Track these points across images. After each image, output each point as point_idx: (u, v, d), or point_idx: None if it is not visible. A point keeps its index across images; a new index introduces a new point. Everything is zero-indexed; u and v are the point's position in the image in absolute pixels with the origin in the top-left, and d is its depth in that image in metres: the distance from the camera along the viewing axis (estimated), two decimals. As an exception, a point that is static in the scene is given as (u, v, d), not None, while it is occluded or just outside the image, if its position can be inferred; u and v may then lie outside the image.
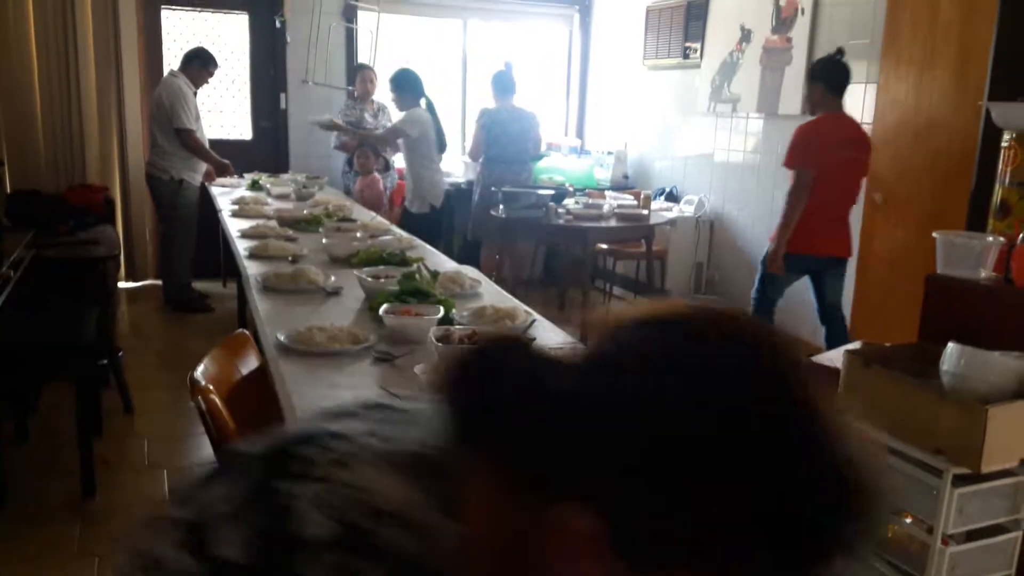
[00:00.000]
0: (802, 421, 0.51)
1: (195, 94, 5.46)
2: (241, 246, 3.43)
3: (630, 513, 0.50)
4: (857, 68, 4.63)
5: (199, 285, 5.75)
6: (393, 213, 5.49)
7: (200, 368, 1.71)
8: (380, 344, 2.10)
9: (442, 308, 2.24)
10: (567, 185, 6.12)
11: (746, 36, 5.50)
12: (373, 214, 4.71)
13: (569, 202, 5.41)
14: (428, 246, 3.69)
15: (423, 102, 5.00)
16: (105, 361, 3.66)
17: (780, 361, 0.54)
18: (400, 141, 5.15)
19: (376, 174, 5.91)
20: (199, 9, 6.41)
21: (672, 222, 5.62)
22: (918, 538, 2.08)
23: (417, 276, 2.56)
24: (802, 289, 4.28)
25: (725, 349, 0.54)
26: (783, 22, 5.18)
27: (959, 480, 2.01)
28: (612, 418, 0.52)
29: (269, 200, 4.93)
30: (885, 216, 4.45)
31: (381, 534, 0.52)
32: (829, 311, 4.18)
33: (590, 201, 5.52)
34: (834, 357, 2.58)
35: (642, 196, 5.93)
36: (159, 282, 5.91)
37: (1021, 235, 2.58)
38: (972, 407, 1.98)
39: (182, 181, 5.41)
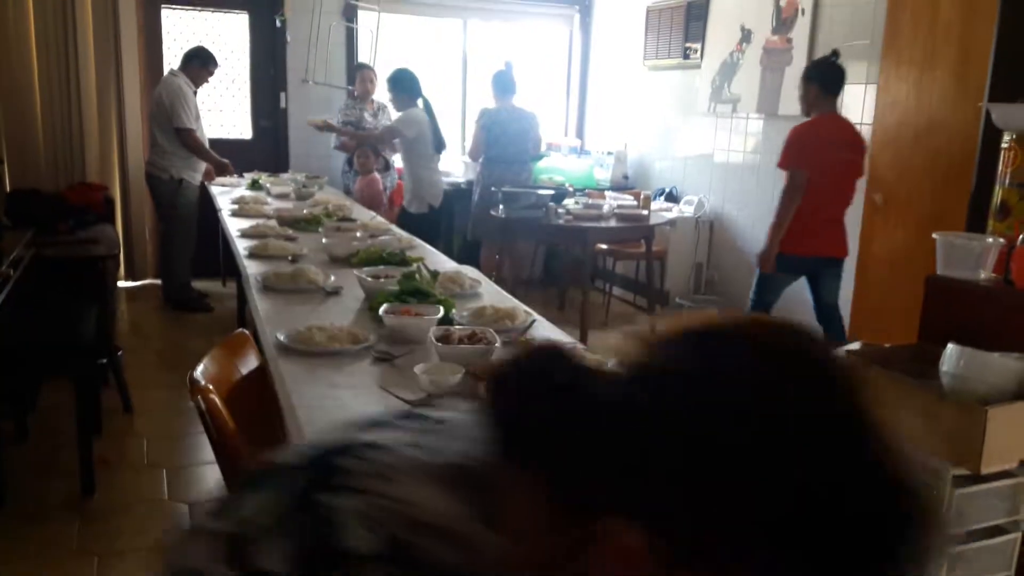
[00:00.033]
0: (855, 433, 0.50)
1: (195, 93, 5.46)
2: (241, 245, 3.43)
3: (680, 527, 0.49)
4: (857, 69, 4.64)
5: (199, 284, 5.74)
6: (393, 213, 5.49)
7: (200, 368, 1.71)
8: (380, 344, 2.10)
9: (442, 308, 2.25)
10: (567, 185, 6.11)
11: (746, 36, 5.50)
12: (373, 214, 4.71)
13: (569, 202, 5.41)
14: (428, 246, 3.69)
15: (420, 102, 4.99)
16: (105, 360, 3.66)
17: (831, 373, 0.53)
18: (397, 142, 5.14)
19: (376, 174, 5.91)
20: (199, 8, 6.41)
21: (672, 222, 5.62)
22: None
23: (417, 276, 2.56)
24: (800, 290, 4.28)
25: (773, 360, 0.53)
26: (783, 23, 5.18)
27: (959, 481, 2.01)
28: (660, 432, 0.51)
29: (269, 199, 4.93)
30: (885, 217, 4.45)
31: (424, 547, 0.51)
32: (826, 311, 4.19)
33: (590, 201, 5.52)
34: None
35: (642, 196, 5.93)
36: (159, 281, 5.91)
37: (1021, 236, 2.58)
38: (972, 408, 1.98)
39: (182, 180, 5.40)
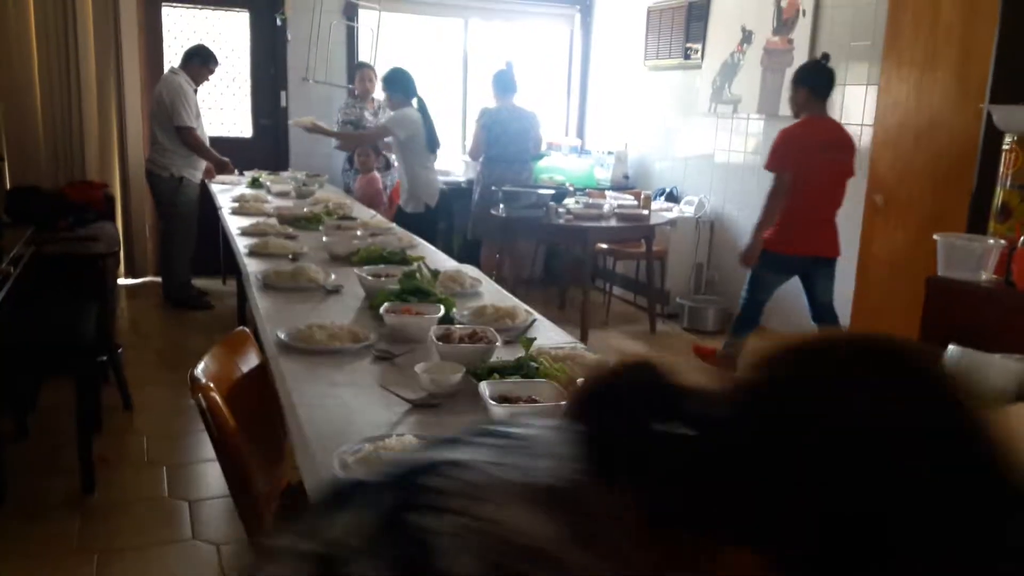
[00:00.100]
0: (978, 449, 0.49)
1: (195, 91, 5.45)
2: (241, 244, 3.43)
3: (800, 551, 0.48)
4: (858, 70, 4.64)
5: (199, 282, 5.74)
6: (392, 211, 5.48)
7: (200, 366, 1.71)
8: (380, 343, 2.10)
9: (442, 307, 2.25)
10: (567, 185, 6.11)
11: (747, 37, 5.50)
12: (373, 212, 4.71)
13: (569, 202, 5.41)
14: (429, 245, 3.69)
15: (415, 102, 4.98)
16: (105, 358, 3.66)
17: (954, 391, 0.52)
18: (392, 141, 5.12)
19: (376, 172, 5.91)
20: (200, 6, 6.40)
21: (672, 222, 5.62)
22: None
23: (417, 275, 2.56)
24: (798, 290, 4.30)
25: (890, 378, 0.51)
26: (784, 23, 5.18)
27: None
28: (778, 453, 0.49)
29: (269, 198, 4.93)
30: (885, 218, 4.45)
31: (523, 571, 0.50)
32: (821, 311, 4.22)
33: (590, 201, 5.52)
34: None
35: (642, 196, 5.93)
36: (159, 279, 5.91)
37: (1022, 238, 2.58)
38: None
39: (182, 178, 5.40)
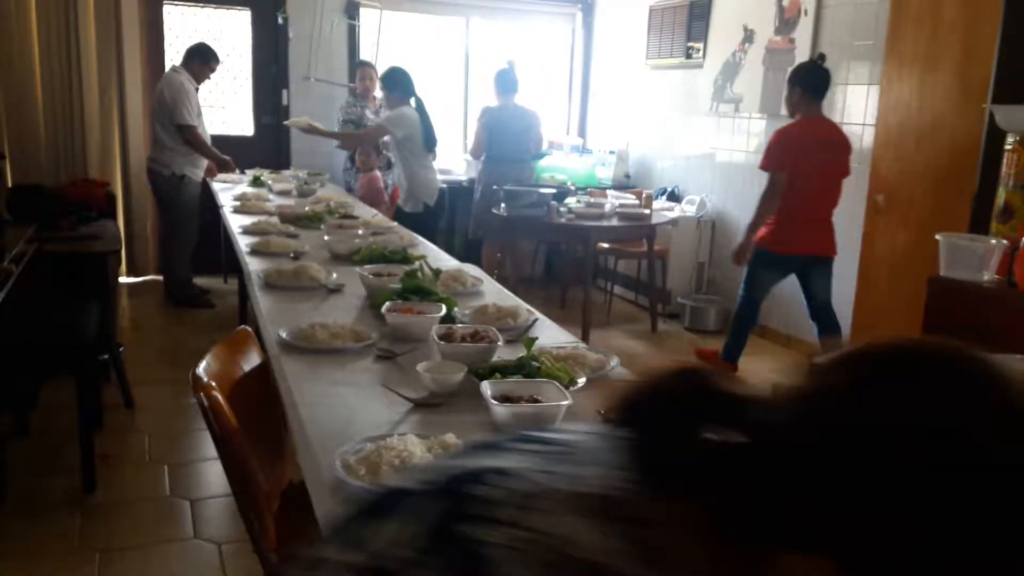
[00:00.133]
0: None
1: (197, 90, 5.45)
2: (243, 242, 3.43)
3: (875, 562, 0.47)
4: (860, 69, 4.64)
5: (200, 281, 5.75)
6: (393, 210, 5.48)
7: (202, 364, 1.71)
8: (382, 342, 2.10)
9: (444, 306, 2.24)
10: (569, 184, 6.11)
11: (749, 36, 5.50)
12: (374, 211, 4.71)
13: (571, 201, 5.40)
14: (430, 244, 3.69)
15: (413, 101, 4.97)
16: (106, 356, 3.66)
17: (1019, 396, 0.50)
18: (389, 140, 5.11)
19: (377, 171, 5.91)
20: (201, 4, 6.41)
21: (674, 222, 5.62)
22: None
23: (419, 274, 2.56)
24: (797, 289, 4.32)
25: (959, 385, 0.50)
26: (786, 23, 5.18)
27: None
28: (849, 460, 0.48)
29: (270, 196, 4.93)
30: (887, 218, 4.45)
31: None
32: (819, 310, 4.25)
33: (592, 200, 5.52)
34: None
35: (644, 196, 5.93)
36: (160, 277, 5.91)
37: (1024, 238, 2.58)
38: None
39: (183, 177, 5.40)
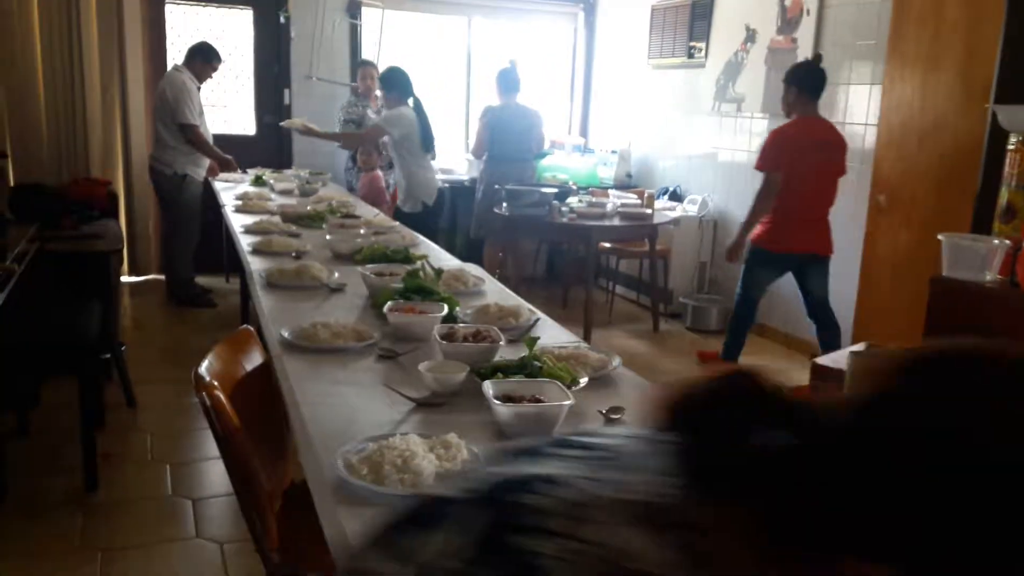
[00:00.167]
0: None
1: (199, 89, 5.45)
2: (245, 241, 3.43)
3: (934, 567, 0.45)
4: (862, 69, 4.63)
5: (202, 280, 5.75)
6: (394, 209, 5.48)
7: (204, 364, 1.71)
8: (384, 341, 2.10)
9: (446, 306, 2.24)
10: (570, 183, 6.11)
11: (751, 36, 5.49)
12: (376, 210, 4.71)
13: (572, 200, 5.40)
14: (432, 243, 3.69)
15: (411, 101, 4.97)
16: (108, 355, 3.66)
17: None
18: (387, 140, 5.10)
19: (379, 171, 5.91)
20: (203, 3, 6.41)
21: (676, 221, 5.61)
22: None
23: (421, 273, 2.56)
24: (796, 287, 4.34)
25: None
26: (788, 22, 5.17)
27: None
28: (916, 466, 0.46)
29: (272, 196, 4.93)
30: (889, 218, 4.45)
31: None
32: (817, 308, 4.28)
33: (593, 200, 5.52)
34: (838, 359, 2.58)
35: (645, 195, 5.93)
36: (162, 277, 5.92)
37: (1027, 238, 2.57)
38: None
39: (185, 176, 5.40)
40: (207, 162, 5.57)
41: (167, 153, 5.36)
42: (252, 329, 2.07)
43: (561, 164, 6.73)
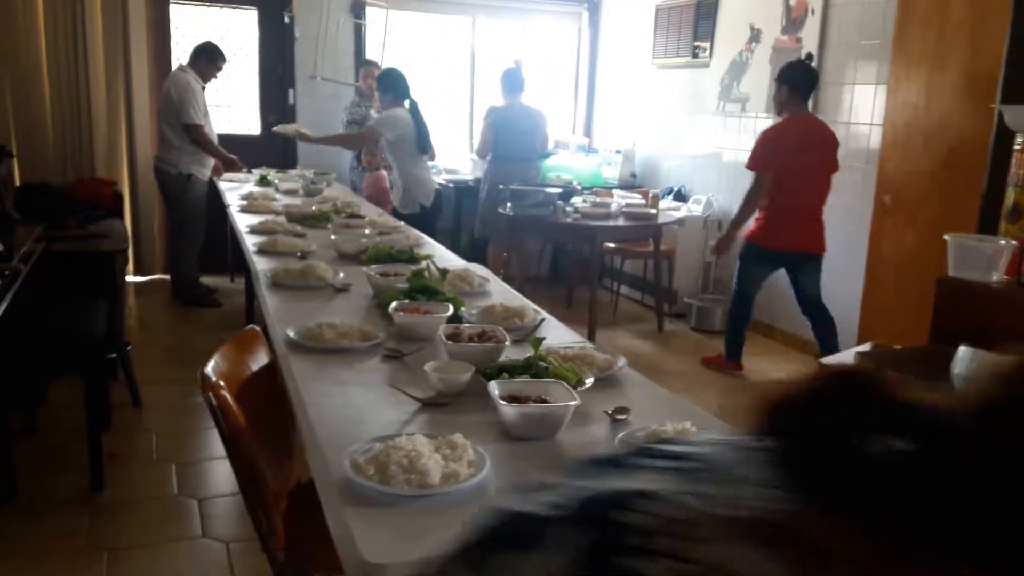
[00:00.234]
0: None
1: (203, 89, 5.46)
2: (250, 241, 3.44)
3: None
4: (867, 69, 4.62)
5: (207, 280, 5.76)
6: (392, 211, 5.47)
7: (211, 364, 1.71)
8: (389, 341, 2.11)
9: (451, 306, 2.25)
10: (575, 183, 6.11)
11: (756, 36, 5.49)
12: (380, 210, 4.72)
13: (577, 200, 5.40)
14: (437, 243, 3.69)
15: (407, 103, 4.97)
16: (113, 355, 3.67)
17: None
18: (382, 142, 5.09)
19: (383, 171, 5.91)
20: (208, 4, 6.42)
21: (680, 221, 5.61)
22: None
23: (426, 274, 2.56)
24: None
25: None
26: (793, 22, 5.16)
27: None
28: None
29: (277, 196, 4.93)
30: (894, 218, 4.44)
31: None
32: (809, 304, 4.35)
33: (598, 200, 5.51)
34: (844, 359, 2.58)
35: (650, 195, 5.92)
36: (167, 276, 5.93)
37: (1033, 238, 2.56)
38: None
39: (190, 176, 5.41)
40: (212, 162, 5.58)
41: (172, 153, 5.37)
42: (258, 329, 2.07)
43: (565, 164, 6.73)
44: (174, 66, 5.79)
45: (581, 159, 6.96)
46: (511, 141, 5.58)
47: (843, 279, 4.68)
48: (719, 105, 5.86)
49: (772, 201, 4.23)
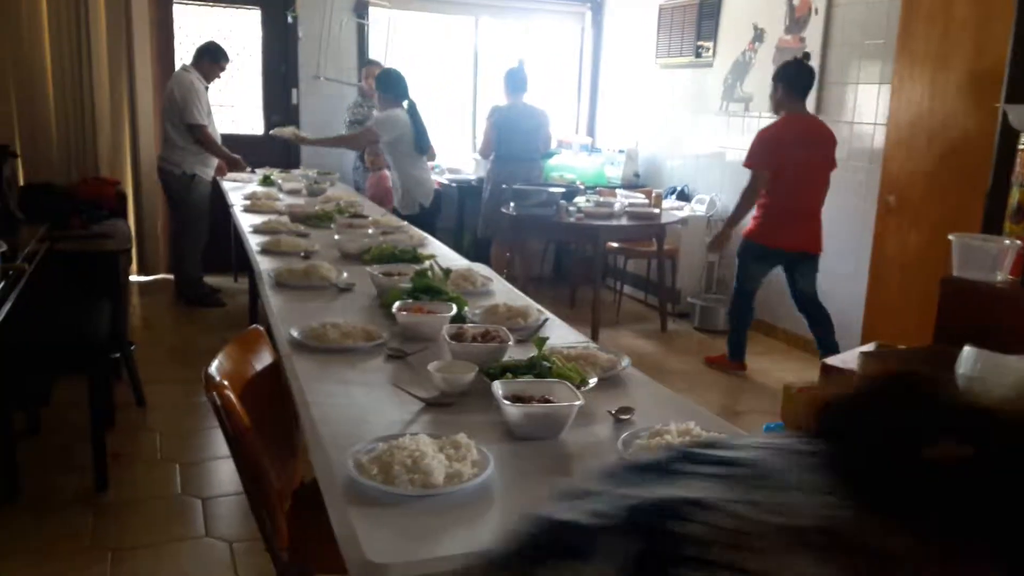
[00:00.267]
0: None
1: (207, 89, 5.47)
2: (253, 241, 3.44)
3: None
4: (871, 68, 4.61)
5: (210, 279, 5.76)
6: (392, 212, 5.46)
7: (215, 363, 1.71)
8: (393, 341, 2.11)
9: (454, 306, 2.24)
10: (578, 183, 6.10)
11: (759, 35, 5.48)
12: (384, 210, 4.72)
13: (580, 200, 5.40)
14: (440, 243, 3.69)
15: (406, 104, 4.97)
16: (117, 355, 3.68)
17: None
18: (382, 144, 5.09)
19: (386, 171, 5.91)
20: (211, 4, 6.42)
21: (683, 221, 5.61)
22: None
23: (429, 273, 2.56)
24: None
25: None
26: (796, 22, 5.16)
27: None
28: None
29: (280, 195, 4.94)
30: (898, 218, 4.43)
31: None
32: (805, 301, 4.39)
33: (601, 199, 5.51)
34: (848, 359, 2.57)
35: (653, 195, 5.92)
36: (170, 276, 5.94)
37: (1038, 238, 2.56)
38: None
39: (194, 176, 5.42)
40: (215, 162, 5.58)
41: (176, 153, 5.38)
42: (262, 329, 2.07)
43: (568, 164, 6.72)
44: (178, 66, 5.79)
45: (584, 159, 6.95)
46: (514, 141, 5.58)
47: (847, 279, 4.68)
48: (722, 105, 5.85)
49: (770, 199, 4.26)
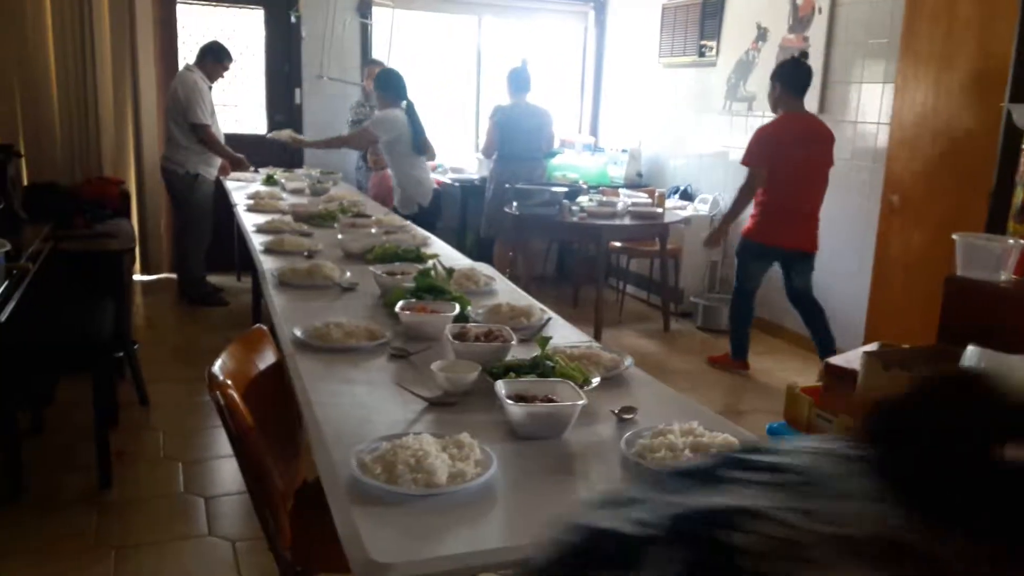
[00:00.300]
0: None
1: (210, 88, 5.47)
2: (256, 241, 3.44)
3: None
4: (875, 68, 4.61)
5: (214, 279, 5.77)
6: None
7: (218, 363, 1.71)
8: (396, 340, 2.11)
9: (457, 305, 2.25)
10: (581, 182, 6.10)
11: (762, 35, 5.47)
12: (387, 210, 4.72)
13: (583, 200, 5.40)
14: (443, 243, 3.69)
15: (404, 104, 4.97)
16: (121, 354, 3.68)
17: None
18: (381, 144, 5.09)
19: (389, 170, 5.91)
20: (214, 3, 6.43)
21: (686, 220, 5.60)
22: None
23: (432, 273, 2.57)
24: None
25: None
26: (800, 21, 5.15)
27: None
28: None
29: (284, 195, 4.94)
30: (902, 218, 4.42)
31: None
32: (797, 295, 4.42)
33: (604, 199, 5.51)
34: (850, 359, 2.57)
35: (656, 194, 5.92)
36: (174, 275, 5.95)
37: (1042, 237, 2.55)
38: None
39: (197, 175, 5.43)
40: (219, 161, 5.59)
41: (179, 152, 5.39)
42: (265, 328, 2.07)
43: (571, 163, 6.72)
44: (181, 66, 5.80)
45: (587, 158, 6.95)
46: (517, 140, 5.58)
47: (850, 278, 4.67)
48: (725, 104, 5.85)
49: (768, 198, 4.27)
